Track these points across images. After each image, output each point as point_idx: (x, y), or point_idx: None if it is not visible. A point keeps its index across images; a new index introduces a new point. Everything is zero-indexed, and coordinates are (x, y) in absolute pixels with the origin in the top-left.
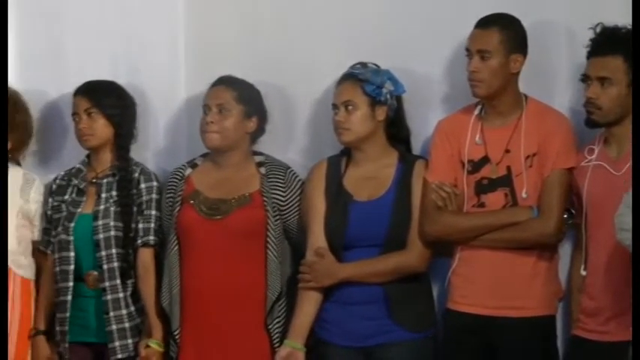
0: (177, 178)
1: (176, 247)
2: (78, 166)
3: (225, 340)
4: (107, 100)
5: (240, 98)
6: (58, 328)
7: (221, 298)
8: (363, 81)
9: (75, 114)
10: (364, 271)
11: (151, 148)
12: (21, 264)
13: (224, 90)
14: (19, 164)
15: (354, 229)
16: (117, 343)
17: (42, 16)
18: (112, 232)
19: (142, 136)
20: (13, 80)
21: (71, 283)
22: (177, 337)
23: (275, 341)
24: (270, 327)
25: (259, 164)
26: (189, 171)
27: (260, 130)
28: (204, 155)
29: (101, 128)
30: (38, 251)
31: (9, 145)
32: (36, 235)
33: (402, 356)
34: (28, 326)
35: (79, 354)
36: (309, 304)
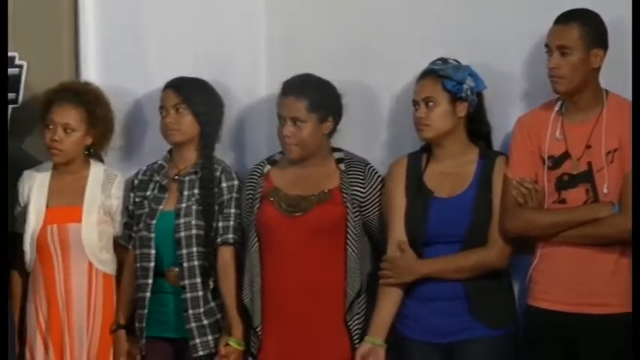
0: (256, 175)
1: (256, 245)
2: (160, 162)
3: (305, 336)
4: (197, 97)
5: (312, 106)
6: (137, 324)
7: (301, 295)
8: (444, 77)
9: (162, 108)
10: (444, 268)
11: (232, 146)
12: (102, 259)
13: (295, 101)
14: (100, 160)
15: (434, 225)
16: (197, 341)
17: (125, 14)
18: (194, 231)
19: (223, 134)
20: (97, 77)
21: (151, 280)
22: (258, 333)
23: (355, 338)
24: (350, 323)
25: (339, 160)
26: (268, 168)
27: (337, 124)
28: (283, 152)
29: (188, 125)
30: (119, 246)
31: (90, 141)
32: (117, 230)
33: (482, 353)
34: (110, 321)
35: (159, 349)
36: (389, 301)
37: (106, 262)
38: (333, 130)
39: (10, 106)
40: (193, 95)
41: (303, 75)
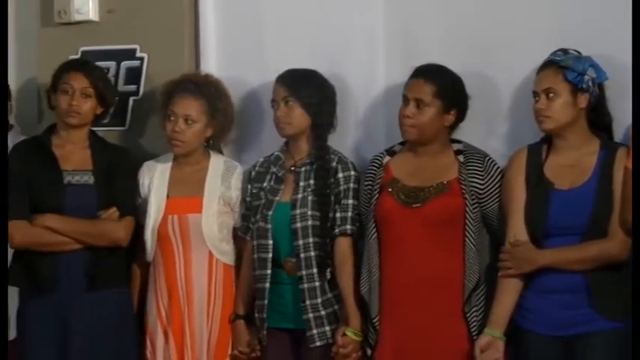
0: (375, 166)
1: (375, 235)
2: (277, 153)
3: (423, 327)
4: (305, 89)
5: (440, 93)
6: (256, 315)
7: (419, 286)
8: (565, 68)
9: (274, 101)
10: (564, 258)
11: (350, 137)
12: (223, 250)
13: (423, 84)
14: (220, 152)
15: (554, 217)
16: (314, 331)
17: (244, 6)
18: (310, 222)
19: (341, 125)
20: (215, 69)
21: (269, 271)
22: (376, 324)
23: (473, 330)
24: (468, 315)
25: (458, 152)
26: (387, 159)
27: (459, 120)
28: (402, 143)
29: (298, 117)
30: (238, 237)
31: (210, 132)
32: (236, 221)
33: (603, 346)
34: (230, 311)
35: (278, 339)
36: (508, 293)
37: (226, 252)
38: (455, 125)
39: (131, 98)
40: (301, 87)
41: (439, 64)
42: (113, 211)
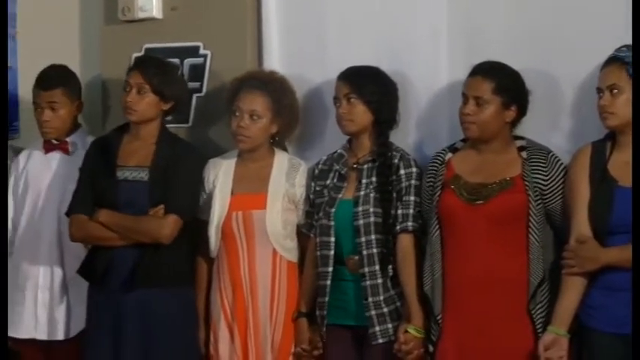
0: (437, 163)
1: (437, 232)
2: (340, 150)
3: (487, 325)
4: (367, 86)
5: (499, 89)
6: (318, 312)
7: (483, 284)
8: (629, 64)
9: (336, 98)
10: (628, 257)
11: (412, 134)
12: (287, 247)
13: (482, 81)
14: (284, 149)
15: (619, 214)
16: (377, 328)
17: (307, 3)
18: (372, 219)
19: (404, 121)
20: (278, 66)
21: (331, 268)
22: (439, 321)
23: (538, 327)
24: (533, 312)
25: (521, 148)
26: (449, 155)
27: (520, 117)
28: (464, 140)
29: (360, 114)
30: (302, 234)
31: (275, 129)
32: (300, 218)
33: None
34: (293, 308)
35: (339, 336)
36: (573, 290)
37: (290, 249)
38: (516, 121)
39: (195, 95)
40: (363, 84)
41: (496, 61)
42: (159, 209)
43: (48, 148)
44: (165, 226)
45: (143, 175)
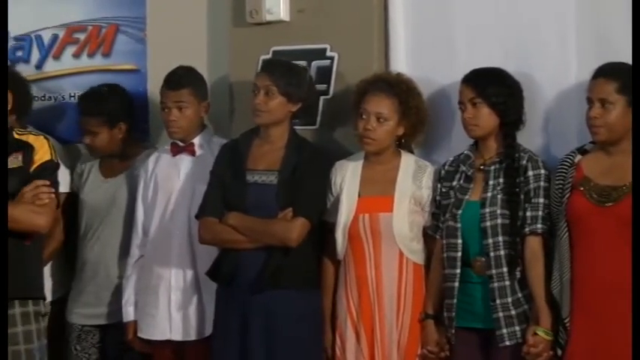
0: (567, 165)
1: (566, 235)
2: (466, 152)
3: (618, 330)
4: (492, 88)
5: (622, 88)
6: (445, 314)
7: (612, 287)
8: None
9: (461, 103)
10: None
11: (540, 135)
12: (413, 249)
13: (604, 83)
14: (411, 151)
15: None
16: (504, 331)
17: (434, 5)
18: (499, 220)
19: (531, 123)
20: (405, 68)
21: (458, 270)
22: (567, 324)
23: None
24: None
25: None
26: (579, 157)
27: None
28: (593, 142)
29: (485, 118)
30: (428, 236)
31: (402, 131)
32: (426, 220)
33: None
34: (419, 310)
35: (466, 339)
36: None
37: (416, 251)
38: None
39: (322, 97)
40: (488, 87)
41: (617, 62)
42: (288, 212)
43: (175, 150)
44: (294, 229)
45: (272, 178)
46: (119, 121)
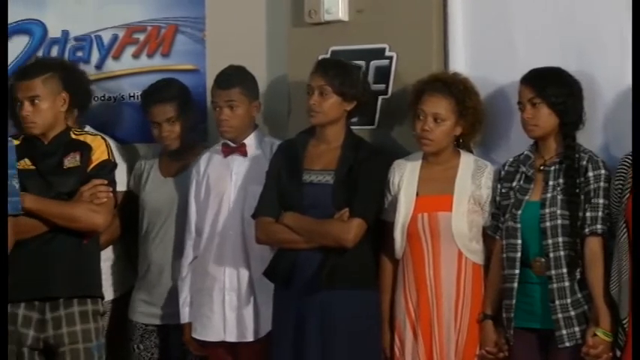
0: (626, 165)
1: (625, 235)
2: (526, 152)
3: None
4: (551, 88)
5: None
6: (504, 315)
7: None
8: None
9: (520, 103)
10: None
11: (599, 135)
12: (472, 249)
13: None
14: (470, 150)
15: None
16: (564, 332)
17: (493, 5)
18: (559, 221)
19: (590, 123)
20: (464, 68)
21: (517, 271)
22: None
23: None
24: None
25: None
26: None
27: None
28: None
29: (545, 118)
30: (488, 236)
31: (459, 131)
32: (486, 220)
33: None
34: (478, 311)
35: (525, 339)
36: None
37: (475, 251)
38: None
39: (380, 97)
40: (547, 87)
41: None
42: (344, 212)
43: (227, 151)
44: (350, 229)
45: (328, 178)
46: (188, 111)
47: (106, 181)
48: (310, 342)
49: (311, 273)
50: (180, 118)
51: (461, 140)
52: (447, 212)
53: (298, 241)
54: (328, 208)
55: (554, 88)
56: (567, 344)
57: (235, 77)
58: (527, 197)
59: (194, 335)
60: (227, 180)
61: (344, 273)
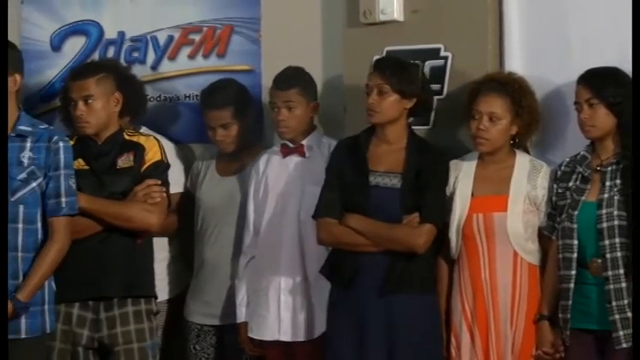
0: None
1: None
2: (583, 152)
3: None
4: (609, 88)
5: None
6: (560, 315)
7: None
8: None
9: (577, 103)
10: None
11: None
12: (528, 249)
13: None
14: (526, 150)
15: None
16: (621, 333)
17: (549, 4)
18: (616, 222)
19: None
20: (519, 68)
21: (574, 271)
22: None
23: None
24: None
25: None
26: None
27: None
28: None
29: (602, 119)
30: (544, 236)
31: (515, 130)
32: (542, 220)
33: None
34: (534, 311)
35: (581, 340)
36: None
37: (531, 252)
38: None
39: (435, 97)
40: (605, 87)
41: None
42: (414, 217)
43: (285, 151)
44: (421, 235)
45: (395, 181)
46: (245, 113)
47: (159, 181)
48: (374, 346)
49: (376, 276)
50: (236, 121)
51: (517, 140)
52: (503, 213)
53: (365, 244)
54: (395, 211)
55: (612, 88)
56: (624, 345)
57: (294, 78)
58: (583, 198)
59: (250, 334)
60: (285, 181)
61: (411, 277)
